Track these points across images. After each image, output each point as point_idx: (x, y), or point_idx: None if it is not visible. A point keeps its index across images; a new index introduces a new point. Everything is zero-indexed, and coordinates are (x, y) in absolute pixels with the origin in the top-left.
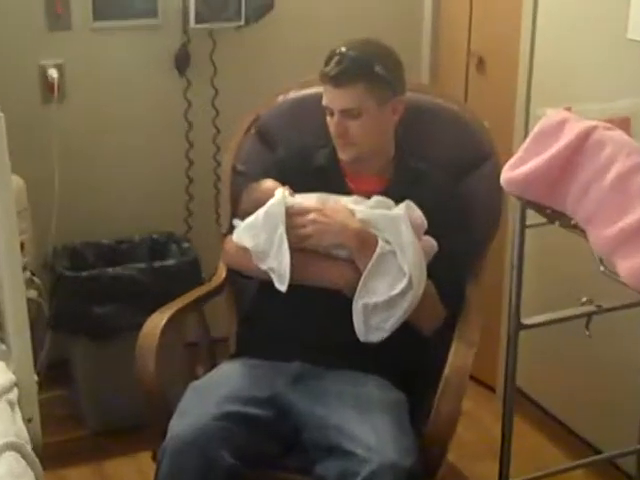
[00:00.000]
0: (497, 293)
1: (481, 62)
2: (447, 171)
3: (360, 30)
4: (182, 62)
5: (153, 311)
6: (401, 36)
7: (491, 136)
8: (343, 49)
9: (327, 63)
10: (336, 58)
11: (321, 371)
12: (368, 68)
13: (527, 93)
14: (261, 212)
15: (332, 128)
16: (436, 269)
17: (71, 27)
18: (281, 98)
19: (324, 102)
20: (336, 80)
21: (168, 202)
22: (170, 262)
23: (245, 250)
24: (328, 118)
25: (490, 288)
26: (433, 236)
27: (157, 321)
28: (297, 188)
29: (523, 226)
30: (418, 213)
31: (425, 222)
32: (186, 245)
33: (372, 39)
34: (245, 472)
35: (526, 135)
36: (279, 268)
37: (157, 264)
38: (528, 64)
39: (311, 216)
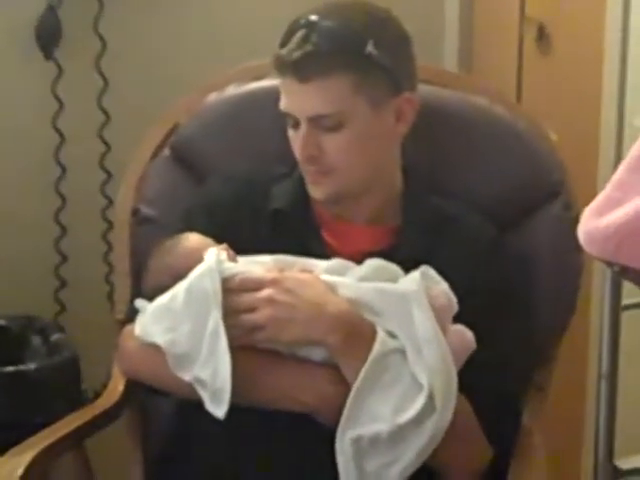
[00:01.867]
0: (575, 416)
1: (543, 34)
2: (490, 216)
3: None
4: (48, 35)
5: (1, 452)
6: None
7: (561, 157)
8: (313, 17)
9: (285, 41)
10: (300, 33)
11: None
12: (354, 47)
13: (620, 86)
14: (181, 288)
15: (296, 147)
16: (474, 379)
17: None
18: (213, 97)
19: (282, 106)
20: (300, 70)
21: (25, 266)
22: (29, 366)
23: (155, 350)
24: (290, 131)
25: (563, 408)
26: (468, 325)
27: (9, 470)
28: (241, 246)
29: (616, 308)
30: (442, 287)
31: (454, 301)
32: (56, 337)
33: (357, 1)
34: None
35: (619, 158)
36: (213, 380)
37: (8, 370)
38: (620, 37)
39: (264, 293)
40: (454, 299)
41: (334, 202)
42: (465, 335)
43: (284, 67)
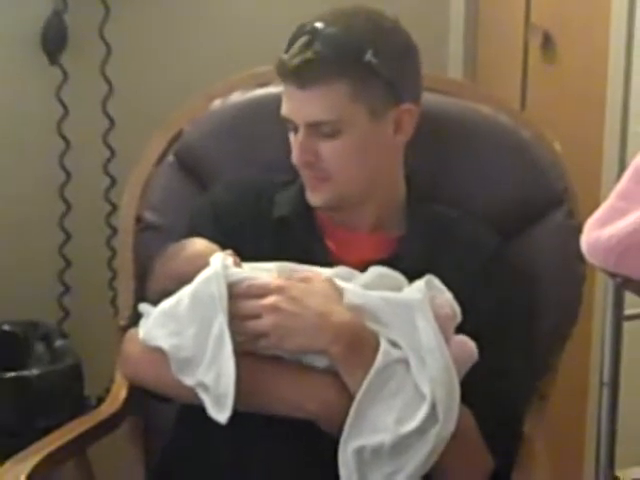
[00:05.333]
0: (577, 424)
1: (548, 42)
2: (493, 224)
3: None
4: (54, 41)
5: (3, 459)
6: (413, 3)
7: (565, 166)
8: (317, 24)
9: (289, 47)
10: (303, 39)
11: None
12: (353, 55)
13: (624, 94)
14: (186, 292)
15: (294, 152)
16: (476, 390)
17: None
18: (218, 103)
19: (283, 111)
20: (300, 76)
21: (29, 271)
22: (33, 372)
23: (159, 354)
24: (291, 136)
25: (565, 417)
26: (470, 333)
27: (12, 478)
28: (244, 253)
29: (619, 318)
30: (446, 297)
31: (458, 311)
32: (60, 343)
33: (364, 7)
34: None
35: (623, 166)
36: (216, 385)
37: (9, 375)
38: (625, 45)
39: (269, 300)
40: (458, 309)
41: (332, 209)
42: (467, 345)
43: (285, 72)
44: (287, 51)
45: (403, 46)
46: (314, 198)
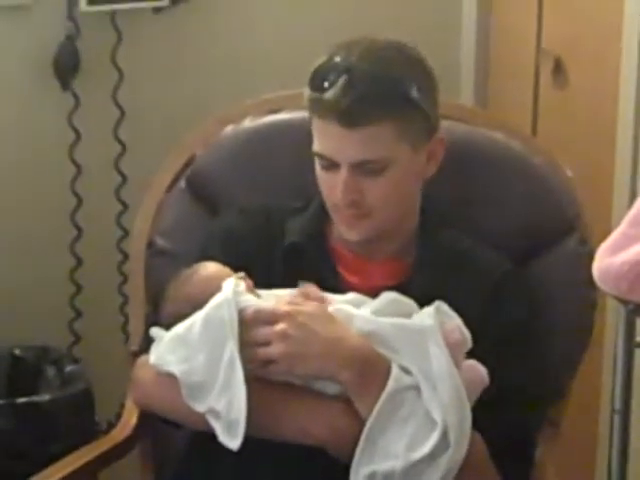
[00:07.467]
0: (589, 451)
1: (559, 68)
2: (504, 251)
3: (353, 19)
4: (66, 66)
5: None
6: (424, 27)
7: (576, 193)
8: (352, 61)
9: (320, 83)
10: (343, 79)
11: None
12: (400, 94)
13: (635, 120)
14: (198, 318)
15: (335, 191)
16: (488, 415)
17: None
18: (230, 129)
19: (319, 148)
20: (347, 116)
21: (41, 296)
22: (44, 397)
23: (170, 380)
24: (321, 172)
25: (576, 443)
26: (481, 359)
27: None
28: (255, 279)
29: (630, 344)
30: (456, 323)
31: (468, 337)
32: (71, 368)
33: (381, 39)
34: None
35: (634, 193)
36: (228, 412)
37: (21, 401)
38: (636, 71)
39: (278, 327)
40: (468, 335)
41: (367, 242)
42: (478, 370)
43: (327, 112)
44: (319, 88)
45: (432, 77)
46: (352, 234)
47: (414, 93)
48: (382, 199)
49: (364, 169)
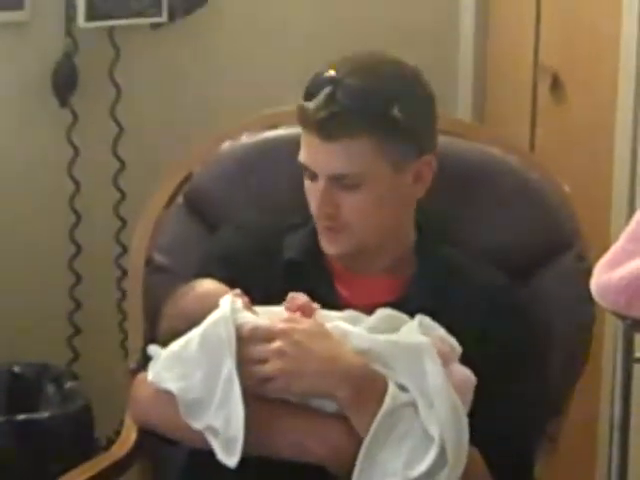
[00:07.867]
0: (588, 468)
1: (557, 83)
2: (502, 266)
3: (350, 35)
4: (64, 82)
5: None
6: (422, 45)
7: (574, 208)
8: (340, 74)
9: (309, 96)
10: (326, 90)
11: None
12: (380, 110)
13: (633, 136)
14: (195, 335)
15: (313, 201)
16: (486, 431)
17: None
18: (227, 145)
19: (302, 158)
20: (325, 128)
21: (40, 313)
22: (43, 414)
23: (168, 397)
24: (307, 182)
25: (574, 460)
26: (479, 374)
27: None
28: (253, 295)
29: (629, 360)
30: (440, 334)
31: (455, 345)
32: (70, 385)
33: (381, 55)
34: None
35: (632, 208)
36: (226, 429)
37: (20, 418)
38: (634, 86)
39: (274, 345)
40: (455, 343)
41: (347, 258)
42: (463, 372)
43: (308, 122)
44: (308, 99)
45: (425, 97)
46: (330, 248)
47: (396, 111)
48: (357, 215)
49: (341, 183)
